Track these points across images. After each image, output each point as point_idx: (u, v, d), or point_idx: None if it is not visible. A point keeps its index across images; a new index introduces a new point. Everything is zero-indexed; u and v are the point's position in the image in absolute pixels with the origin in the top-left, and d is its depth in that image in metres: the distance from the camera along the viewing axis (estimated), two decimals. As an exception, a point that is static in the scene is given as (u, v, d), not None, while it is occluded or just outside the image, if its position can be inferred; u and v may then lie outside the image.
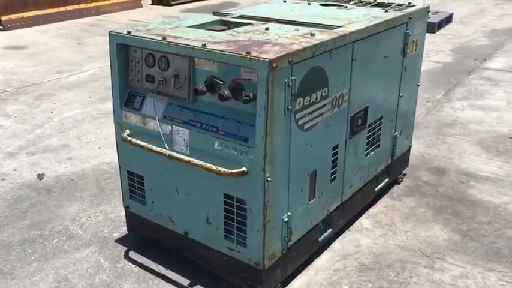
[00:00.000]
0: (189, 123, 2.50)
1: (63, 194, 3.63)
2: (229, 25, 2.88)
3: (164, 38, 2.47)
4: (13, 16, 9.02)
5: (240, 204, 2.45)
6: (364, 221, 3.27)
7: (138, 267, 2.86)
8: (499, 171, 3.91)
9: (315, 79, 2.46)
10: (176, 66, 2.51)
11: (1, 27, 8.87)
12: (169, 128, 2.57)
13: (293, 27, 2.77)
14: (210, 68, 2.41)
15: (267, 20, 2.97)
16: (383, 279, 2.74)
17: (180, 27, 2.73)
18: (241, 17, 3.09)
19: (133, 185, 2.88)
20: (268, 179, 2.32)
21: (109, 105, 5.58)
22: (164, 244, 2.92)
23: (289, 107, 2.29)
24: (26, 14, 9.18)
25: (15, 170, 3.98)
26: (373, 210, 3.40)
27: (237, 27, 2.79)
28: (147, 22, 3.13)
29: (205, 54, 2.32)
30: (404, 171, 3.79)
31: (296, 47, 2.32)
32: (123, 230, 3.18)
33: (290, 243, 2.60)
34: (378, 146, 3.26)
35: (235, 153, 2.35)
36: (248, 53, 2.20)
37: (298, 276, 2.77)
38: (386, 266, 2.85)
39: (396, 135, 3.45)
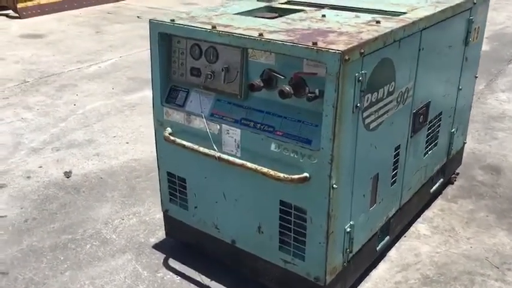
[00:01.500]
0: (241, 122, 2.24)
1: (93, 194, 3.40)
2: (278, 12, 2.61)
3: (214, 27, 2.20)
4: (29, 3, 8.78)
5: (299, 213, 2.19)
6: (420, 226, 3.01)
7: (179, 277, 2.63)
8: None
9: (384, 72, 2.19)
10: (226, 58, 2.25)
11: (17, 15, 8.64)
12: (218, 127, 2.31)
13: (352, 13, 2.49)
14: (267, 60, 2.14)
15: (319, 6, 2.69)
16: (451, 294, 2.49)
17: (226, 15, 2.46)
18: (289, 2, 2.82)
19: (174, 187, 2.64)
20: (334, 186, 2.06)
21: (134, 97, 5.41)
22: (207, 252, 2.68)
23: (358, 104, 2.03)
24: (42, 1, 8.93)
25: (40, 167, 3.75)
26: (428, 213, 3.13)
27: (289, 14, 2.52)
28: (175, 10, 2.85)
29: (262, 45, 2.05)
30: (457, 170, 3.51)
31: (366, 36, 2.04)
32: (160, 235, 2.95)
33: (351, 255, 2.35)
34: (436, 144, 2.98)
35: (296, 157, 2.09)
36: (315, 43, 1.92)
37: (355, 289, 2.52)
38: (453, 278, 2.59)
39: (453, 131, 3.17)
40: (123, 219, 3.12)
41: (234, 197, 2.39)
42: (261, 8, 2.68)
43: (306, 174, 2.06)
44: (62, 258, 2.77)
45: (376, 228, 2.54)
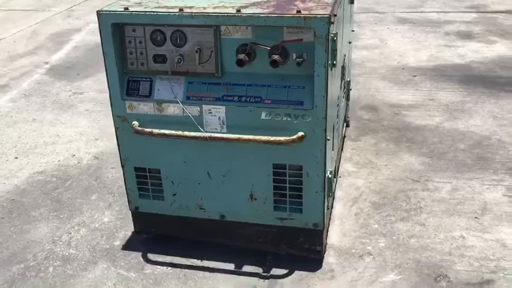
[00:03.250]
0: (223, 99, 2.31)
1: (16, 218, 3.04)
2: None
3: (181, 10, 2.20)
4: None
5: (294, 171, 2.39)
6: (346, 165, 3.44)
7: (169, 267, 2.61)
8: (416, 98, 4.41)
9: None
10: (196, 39, 2.27)
11: None
12: (198, 108, 2.34)
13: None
14: (242, 35, 2.24)
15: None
16: (399, 210, 2.97)
17: (169, -3, 2.46)
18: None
19: (145, 182, 2.58)
20: (328, 138, 2.30)
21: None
22: (188, 236, 2.70)
23: (334, 62, 2.28)
24: None
25: None
26: (345, 154, 3.58)
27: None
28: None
29: (243, 21, 2.15)
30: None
31: (328, 1, 2.29)
32: (122, 236, 2.84)
33: (331, 199, 2.65)
34: (344, 92, 3.42)
35: (289, 119, 2.27)
36: (299, 11, 2.10)
37: (329, 229, 2.83)
38: (394, 198, 3.08)
39: (349, 80, 3.65)
40: (70, 233, 2.90)
41: (221, 173, 2.46)
42: (189, -12, 2.70)
43: (302, 133, 2.26)
44: (31, 288, 2.51)
45: (333, 172, 2.87)
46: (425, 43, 5.76)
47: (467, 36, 5.95)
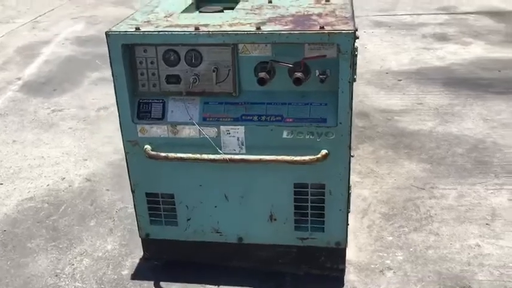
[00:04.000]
0: (242, 119, 2.22)
1: (11, 251, 2.85)
2: (212, 5, 2.57)
3: (197, 28, 2.10)
4: None
5: (316, 190, 2.32)
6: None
7: (185, 295, 2.50)
8: (405, 103, 4.43)
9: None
10: (213, 58, 2.17)
11: None
12: (215, 130, 2.24)
13: (284, -4, 2.63)
14: (261, 53, 2.16)
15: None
16: (411, 220, 2.94)
17: (177, 15, 2.34)
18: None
19: (157, 207, 2.46)
20: (352, 155, 2.25)
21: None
22: (203, 261, 2.58)
23: (355, 76, 2.22)
24: None
25: None
26: (346, 163, 3.55)
27: (228, 5, 2.52)
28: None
29: (265, 38, 2.06)
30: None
31: (344, 14, 2.23)
32: (129, 265, 2.69)
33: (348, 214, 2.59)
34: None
35: (312, 138, 2.20)
36: (322, 28, 2.04)
37: (344, 244, 2.78)
38: (403, 208, 3.06)
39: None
40: (73, 264, 2.73)
41: (239, 194, 2.37)
42: (192, 4, 2.60)
43: (325, 151, 2.20)
44: (41, 329, 2.34)
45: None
46: (404, 46, 5.81)
47: (443, 38, 6.04)
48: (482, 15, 6.82)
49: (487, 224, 2.88)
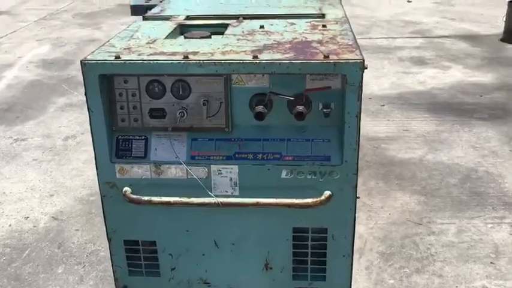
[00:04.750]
0: (236, 157, 1.98)
1: (-33, 305, 2.51)
2: (198, 30, 2.34)
3: (186, 57, 1.85)
4: None
5: (317, 234, 2.08)
6: (341, 210, 3.19)
7: None
8: (390, 130, 4.27)
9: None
10: (202, 90, 1.93)
11: None
12: (205, 169, 1.98)
13: (276, 21, 2.42)
14: (258, 83, 1.93)
15: (234, 17, 2.51)
16: (411, 260, 2.74)
17: (161, 41, 2.10)
18: (190, 18, 2.55)
19: (137, 256, 2.17)
20: (357, 196, 2.03)
21: None
22: (188, 314, 2.30)
23: (360, 110, 2.02)
24: None
25: None
26: (336, 197, 3.33)
27: (216, 30, 2.30)
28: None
29: (263, 68, 1.83)
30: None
31: (347, 41, 2.03)
32: (104, 319, 2.39)
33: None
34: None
35: (314, 177, 1.97)
36: (326, 57, 1.82)
37: None
38: (401, 246, 2.85)
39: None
40: (39, 320, 2.41)
41: (230, 241, 2.11)
42: (175, 29, 2.35)
43: (329, 193, 1.97)
44: None
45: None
46: (384, 70, 5.70)
47: (420, 62, 5.97)
48: (457, 39, 6.82)
49: (491, 262, 2.70)
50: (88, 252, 2.85)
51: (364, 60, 1.82)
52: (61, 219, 3.17)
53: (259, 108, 1.88)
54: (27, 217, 3.21)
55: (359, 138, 1.92)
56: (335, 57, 1.83)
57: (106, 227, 2.13)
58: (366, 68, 1.84)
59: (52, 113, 4.72)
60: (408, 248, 2.84)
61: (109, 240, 2.16)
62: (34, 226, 3.12)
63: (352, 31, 2.20)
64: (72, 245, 2.93)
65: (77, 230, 3.06)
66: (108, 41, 2.13)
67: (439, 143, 4.02)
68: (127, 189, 2.01)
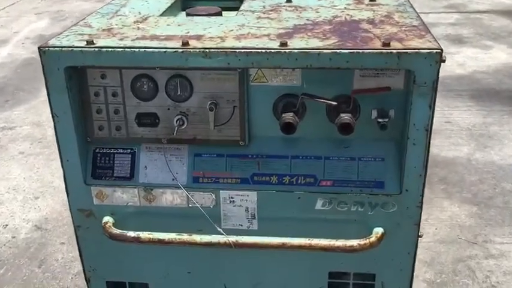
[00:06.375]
0: (254, 180, 1.45)
1: None
2: (205, 4, 1.79)
3: (185, 44, 1.31)
4: None
5: (361, 281, 1.57)
6: (377, 224, 2.67)
7: None
8: (429, 121, 3.71)
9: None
10: (208, 89, 1.40)
11: None
12: (212, 196, 1.46)
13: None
14: (285, 81, 1.39)
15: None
16: (468, 293, 2.23)
17: (153, 19, 1.56)
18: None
19: (124, 301, 1.68)
20: (420, 234, 1.49)
21: None
22: None
23: (431, 122, 1.46)
24: None
25: None
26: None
27: (235, 6, 1.75)
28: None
29: (295, 61, 1.28)
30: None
31: (411, 20, 1.47)
32: None
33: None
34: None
35: (360, 210, 1.44)
36: (386, 44, 1.27)
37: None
38: (454, 273, 2.33)
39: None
40: None
41: (247, 287, 1.60)
42: (175, 2, 1.80)
43: (382, 231, 1.44)
44: None
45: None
46: (417, 50, 5.09)
47: (458, 40, 5.33)
48: (497, 15, 6.15)
49: None
50: (74, 274, 2.38)
51: (442, 51, 1.27)
52: (45, 229, 2.69)
53: (289, 116, 1.34)
54: (6, 225, 2.73)
55: (427, 160, 1.37)
56: (398, 44, 1.28)
57: (83, 265, 1.64)
58: (444, 61, 1.29)
59: (45, 97, 4.17)
60: (462, 275, 2.32)
61: (87, 281, 1.66)
62: (13, 237, 2.64)
63: (412, 6, 1.64)
64: (56, 263, 2.46)
65: (62, 243, 2.58)
66: (84, 18, 1.59)
67: (488, 138, 3.45)
68: (108, 219, 1.51)
